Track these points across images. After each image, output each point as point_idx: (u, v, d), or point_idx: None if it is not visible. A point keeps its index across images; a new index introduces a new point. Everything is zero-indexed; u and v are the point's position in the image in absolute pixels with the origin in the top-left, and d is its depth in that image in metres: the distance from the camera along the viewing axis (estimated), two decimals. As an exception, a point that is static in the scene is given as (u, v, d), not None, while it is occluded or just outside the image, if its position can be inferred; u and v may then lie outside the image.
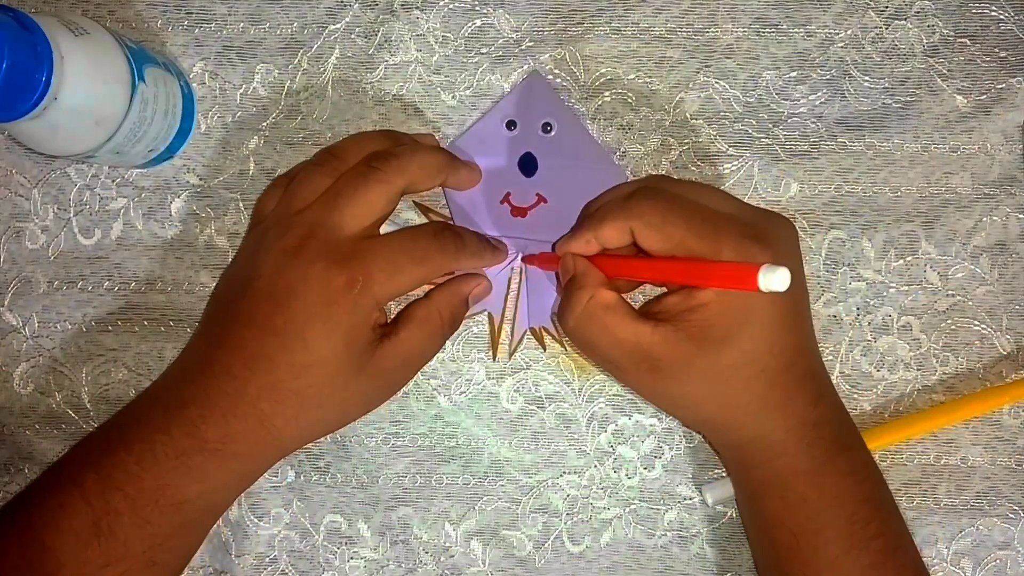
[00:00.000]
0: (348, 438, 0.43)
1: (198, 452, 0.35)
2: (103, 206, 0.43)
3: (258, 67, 0.43)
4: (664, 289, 0.40)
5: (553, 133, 0.43)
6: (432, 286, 0.40)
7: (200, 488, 0.35)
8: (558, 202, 0.42)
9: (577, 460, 0.43)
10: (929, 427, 0.42)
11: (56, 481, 0.36)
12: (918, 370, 0.43)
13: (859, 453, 0.38)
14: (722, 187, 0.43)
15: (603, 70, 0.43)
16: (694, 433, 0.43)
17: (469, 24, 0.43)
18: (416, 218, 0.43)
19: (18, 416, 0.43)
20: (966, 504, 0.43)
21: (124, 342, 0.43)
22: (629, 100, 0.43)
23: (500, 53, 0.43)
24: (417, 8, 0.43)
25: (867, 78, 0.43)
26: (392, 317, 0.38)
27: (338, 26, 0.43)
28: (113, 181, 0.43)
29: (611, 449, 0.43)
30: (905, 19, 0.43)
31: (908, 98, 0.43)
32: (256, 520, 0.43)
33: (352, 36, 0.43)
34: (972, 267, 0.43)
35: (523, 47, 0.43)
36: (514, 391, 0.43)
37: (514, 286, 0.43)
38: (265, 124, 0.43)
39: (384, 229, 0.38)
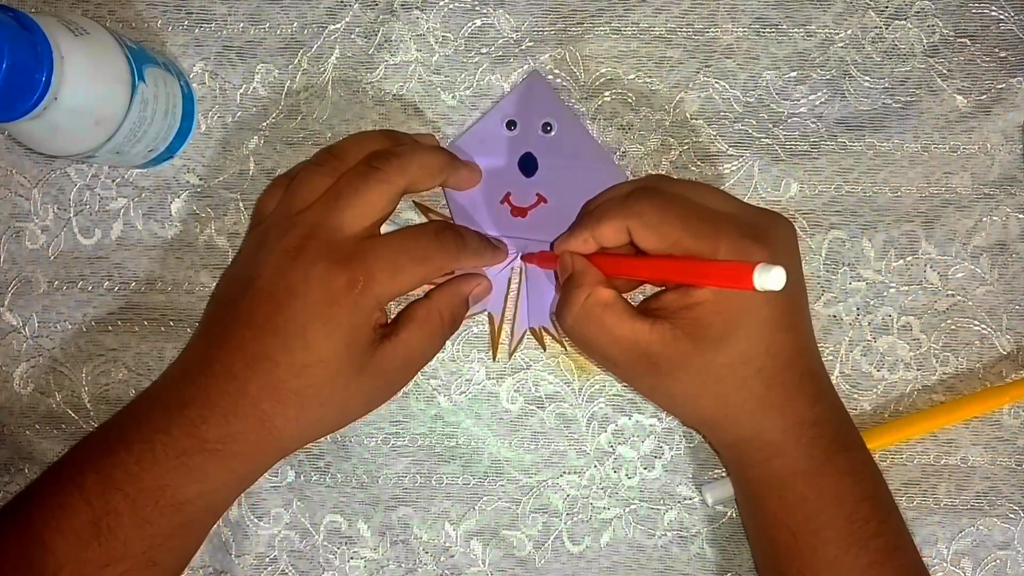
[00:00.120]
0: (348, 438, 0.43)
1: (198, 452, 0.35)
2: (103, 206, 0.43)
3: (258, 67, 0.43)
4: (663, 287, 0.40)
5: (553, 133, 0.43)
6: (432, 286, 0.40)
7: (200, 488, 0.35)
8: (558, 202, 0.42)
9: (577, 460, 0.43)
10: (929, 427, 0.42)
11: (56, 481, 0.36)
12: (918, 370, 0.43)
13: (858, 453, 0.38)
14: (722, 187, 0.43)
15: (603, 70, 0.43)
16: (694, 433, 0.43)
17: (469, 24, 0.43)
18: (416, 218, 0.43)
19: (18, 416, 0.43)
20: (966, 504, 0.43)
21: (124, 342, 0.43)
22: (629, 100, 0.43)
23: (500, 53, 0.43)
24: (417, 8, 0.43)
25: (867, 78, 0.43)
26: (392, 317, 0.38)
27: (338, 26, 0.43)
28: (113, 181, 0.43)
29: (611, 449, 0.43)
30: (905, 19, 0.43)
31: (908, 98, 0.43)
32: (256, 520, 0.43)
33: (352, 36, 0.43)
34: (972, 267, 0.43)
35: (523, 47, 0.43)
36: (514, 391, 0.43)
37: (514, 286, 0.43)
38: (265, 124, 0.43)
39: (384, 229, 0.38)
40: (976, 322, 0.43)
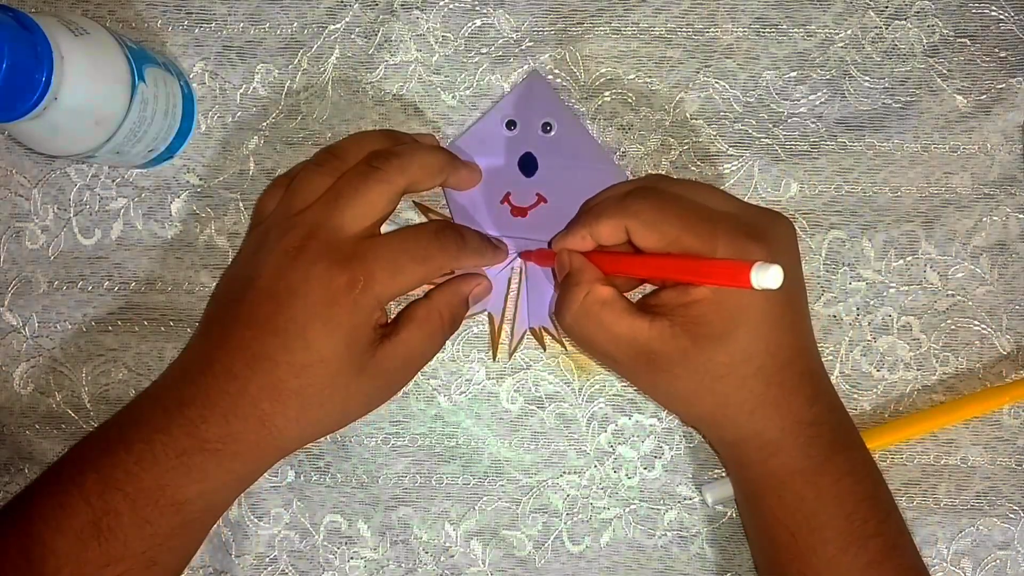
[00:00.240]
0: (348, 438, 0.43)
1: (198, 452, 0.35)
2: (103, 206, 0.43)
3: (258, 67, 0.43)
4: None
5: (553, 133, 0.43)
6: (432, 286, 0.40)
7: (200, 488, 0.35)
8: (558, 202, 0.42)
9: (577, 460, 0.43)
10: (929, 427, 0.42)
11: (56, 481, 0.36)
12: (918, 370, 0.43)
13: (858, 453, 0.38)
14: (722, 187, 0.43)
15: (603, 70, 0.43)
16: (694, 433, 0.43)
17: (469, 24, 0.43)
18: (416, 218, 0.43)
19: (18, 416, 0.43)
20: (966, 504, 0.43)
21: (124, 342, 0.43)
22: (629, 100, 0.43)
23: (500, 53, 0.43)
24: (417, 8, 0.43)
25: (867, 78, 0.43)
26: (392, 317, 0.38)
27: (338, 26, 0.43)
28: (113, 181, 0.43)
29: (611, 449, 0.43)
30: (905, 19, 0.43)
31: (908, 98, 0.43)
32: (256, 520, 0.43)
33: (352, 36, 0.43)
34: (972, 267, 0.43)
35: (523, 47, 0.43)
36: (514, 391, 0.43)
37: (514, 286, 0.43)
38: (265, 124, 0.43)
39: (384, 229, 0.38)
40: (976, 322, 0.43)
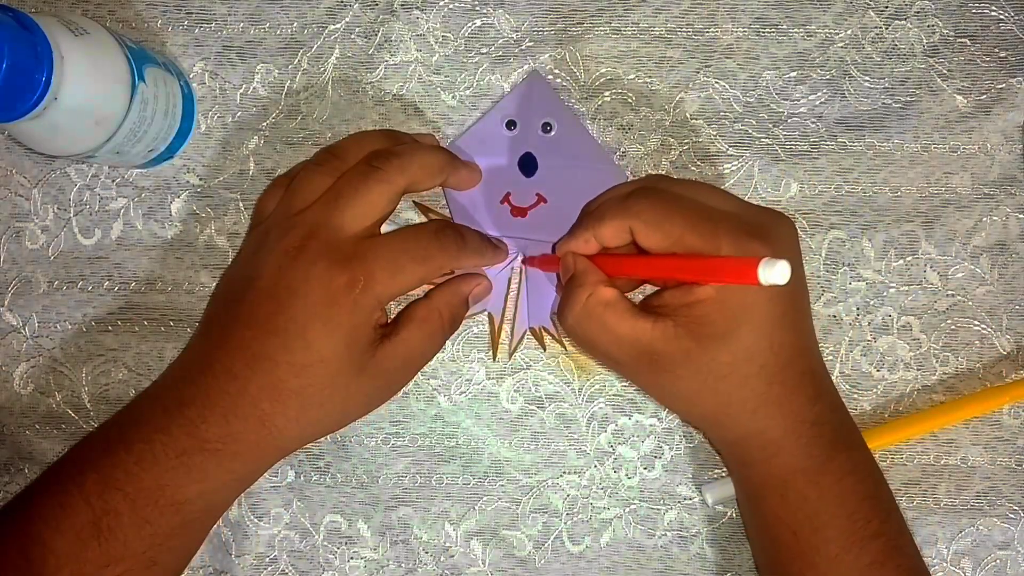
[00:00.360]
0: (348, 438, 0.43)
1: (198, 452, 0.35)
2: (103, 206, 0.43)
3: (258, 67, 0.43)
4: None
5: (553, 133, 0.43)
6: (432, 286, 0.40)
7: (200, 488, 0.35)
8: (558, 202, 0.42)
9: (577, 460, 0.43)
10: (929, 427, 0.42)
11: (56, 481, 0.36)
12: (918, 370, 0.43)
13: (859, 452, 0.38)
14: (722, 187, 0.43)
15: (603, 70, 0.43)
16: (694, 433, 0.43)
17: (469, 24, 0.43)
18: (416, 218, 0.43)
19: (18, 416, 0.43)
20: (966, 504, 0.43)
21: (124, 342, 0.43)
22: (629, 100, 0.43)
23: (500, 53, 0.43)
24: (417, 8, 0.43)
25: (867, 78, 0.43)
26: (392, 317, 0.38)
27: (338, 26, 0.43)
28: (113, 181, 0.43)
29: (611, 449, 0.43)
30: (905, 19, 0.43)
31: (908, 98, 0.43)
32: (256, 520, 0.43)
33: (352, 36, 0.43)
34: (972, 267, 0.43)
35: (523, 47, 0.43)
36: (514, 391, 0.43)
37: (514, 286, 0.43)
38: (265, 124, 0.43)
39: (384, 229, 0.38)
40: (976, 322, 0.43)
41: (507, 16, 0.43)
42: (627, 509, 0.43)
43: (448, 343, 0.43)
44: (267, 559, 0.43)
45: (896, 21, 0.43)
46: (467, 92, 0.43)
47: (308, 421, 0.36)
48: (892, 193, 0.43)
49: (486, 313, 0.43)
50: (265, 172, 0.43)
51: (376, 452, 0.43)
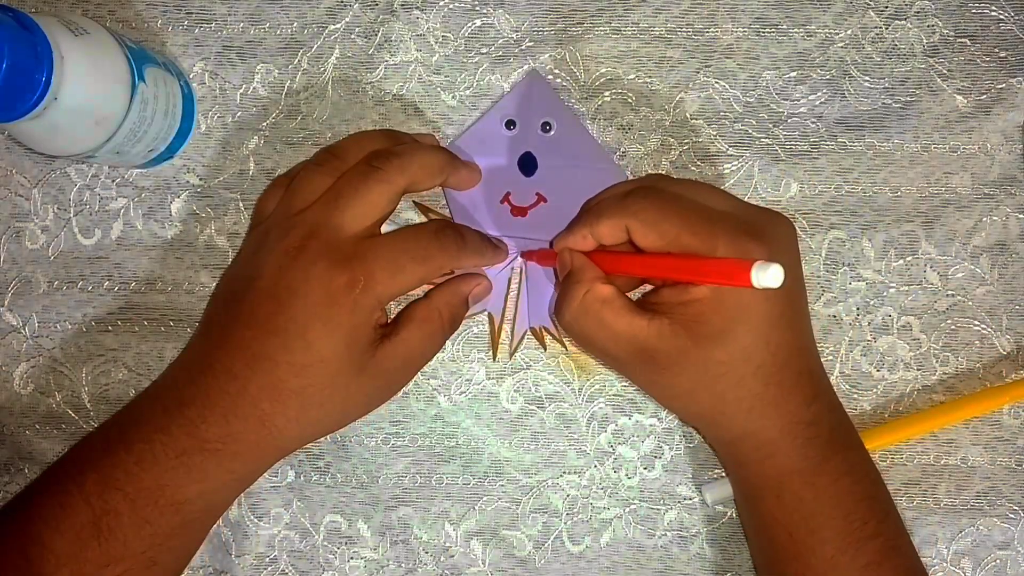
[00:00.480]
0: (348, 438, 0.43)
1: (198, 452, 0.35)
2: (103, 206, 0.43)
3: (258, 67, 0.43)
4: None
5: (552, 132, 0.43)
6: (432, 286, 0.40)
7: (200, 488, 0.35)
8: (558, 201, 0.42)
9: (577, 460, 0.43)
10: (929, 427, 0.42)
11: (56, 481, 0.36)
12: (918, 370, 0.43)
13: (856, 453, 0.38)
14: (722, 187, 0.43)
15: (603, 70, 0.43)
16: (694, 433, 0.43)
17: (469, 24, 0.43)
18: (416, 218, 0.43)
19: (18, 416, 0.43)
20: (966, 504, 0.43)
21: (124, 342, 0.43)
22: (629, 100, 0.43)
23: (500, 53, 0.43)
24: (417, 8, 0.43)
25: (867, 78, 0.43)
26: (392, 317, 0.38)
27: (338, 26, 0.43)
28: (113, 181, 0.43)
29: (611, 449, 0.43)
30: (905, 19, 0.43)
31: (908, 98, 0.43)
32: (256, 520, 0.43)
33: (352, 36, 0.43)
34: (972, 267, 0.43)
35: (523, 47, 0.43)
36: (514, 391, 0.43)
37: (514, 286, 0.43)
38: (265, 124, 0.43)
39: (384, 228, 0.38)
40: (976, 322, 0.43)
41: (507, 16, 0.43)
42: (627, 509, 0.43)
43: (448, 343, 0.43)
44: (267, 559, 0.43)
45: (896, 21, 0.43)
46: (467, 92, 0.43)
47: (308, 421, 0.36)
48: (892, 193, 0.43)
49: (486, 313, 0.43)
50: (265, 172, 0.43)
51: (376, 452, 0.43)
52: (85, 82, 0.34)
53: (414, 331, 0.37)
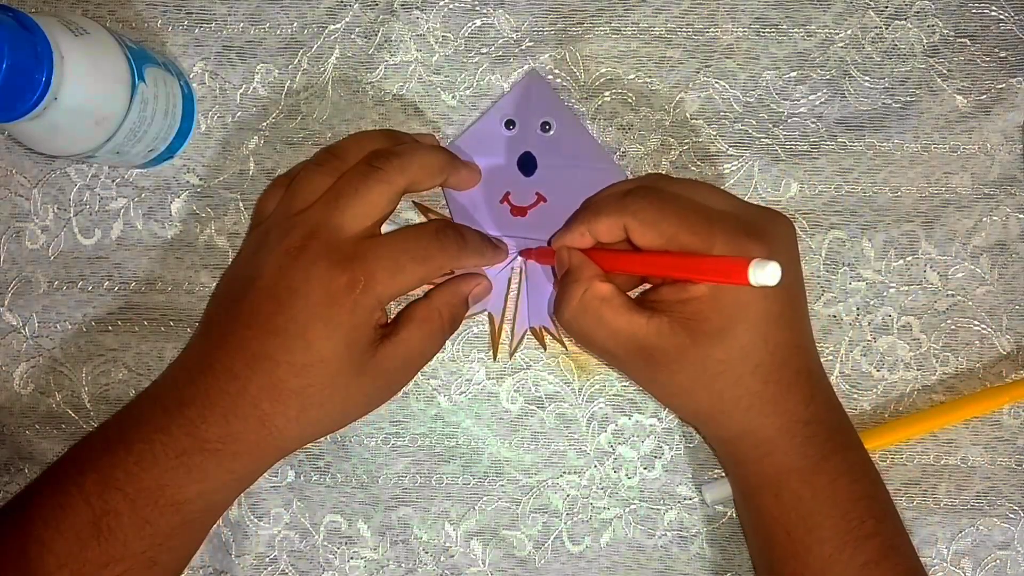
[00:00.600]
0: (348, 438, 0.43)
1: (198, 452, 0.35)
2: (103, 206, 0.43)
3: (258, 67, 0.43)
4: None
5: (552, 132, 0.43)
6: (432, 286, 0.40)
7: (200, 488, 0.35)
8: (558, 201, 0.42)
9: (577, 460, 0.43)
10: (929, 427, 0.42)
11: (56, 481, 0.36)
12: (918, 370, 0.43)
13: (855, 453, 0.38)
14: (722, 187, 0.43)
15: (603, 70, 0.43)
16: (694, 433, 0.43)
17: (469, 24, 0.43)
18: (416, 218, 0.43)
19: (18, 416, 0.43)
20: (966, 504, 0.43)
21: (124, 342, 0.43)
22: (629, 100, 0.43)
23: (500, 53, 0.43)
24: (417, 8, 0.43)
25: (867, 78, 0.43)
26: (392, 317, 0.38)
27: (338, 26, 0.43)
28: (113, 181, 0.43)
29: (611, 449, 0.43)
30: (905, 19, 0.43)
31: (908, 98, 0.43)
32: (256, 520, 0.43)
33: (352, 36, 0.43)
34: (972, 267, 0.43)
35: (523, 47, 0.43)
36: (514, 391, 0.43)
37: (514, 286, 0.43)
38: (265, 124, 0.43)
39: (384, 228, 0.38)
40: (976, 322, 0.43)
41: (507, 16, 0.43)
42: (627, 509, 0.43)
43: (448, 343, 0.43)
44: (267, 559, 0.43)
45: (896, 21, 0.43)
46: (467, 92, 0.43)
47: (308, 421, 0.36)
48: (892, 193, 0.43)
49: (486, 313, 0.43)
50: (265, 172, 0.43)
51: (376, 452, 0.43)
52: (85, 82, 0.34)
53: (414, 331, 0.37)
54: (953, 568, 0.43)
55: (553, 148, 0.42)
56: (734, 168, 0.43)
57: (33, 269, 0.43)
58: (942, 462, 0.43)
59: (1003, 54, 0.43)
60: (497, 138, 0.43)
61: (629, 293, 0.37)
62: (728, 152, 0.43)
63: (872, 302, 0.43)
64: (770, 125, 0.43)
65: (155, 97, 0.38)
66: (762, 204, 0.43)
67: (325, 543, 0.43)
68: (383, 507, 0.43)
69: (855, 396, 0.43)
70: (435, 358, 0.42)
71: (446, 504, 0.43)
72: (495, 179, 0.43)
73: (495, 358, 0.43)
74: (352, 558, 0.43)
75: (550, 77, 0.43)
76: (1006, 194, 0.43)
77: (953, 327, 0.43)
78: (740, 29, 0.43)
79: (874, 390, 0.43)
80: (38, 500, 0.35)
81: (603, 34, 0.43)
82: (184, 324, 0.43)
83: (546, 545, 0.43)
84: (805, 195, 0.43)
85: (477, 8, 0.43)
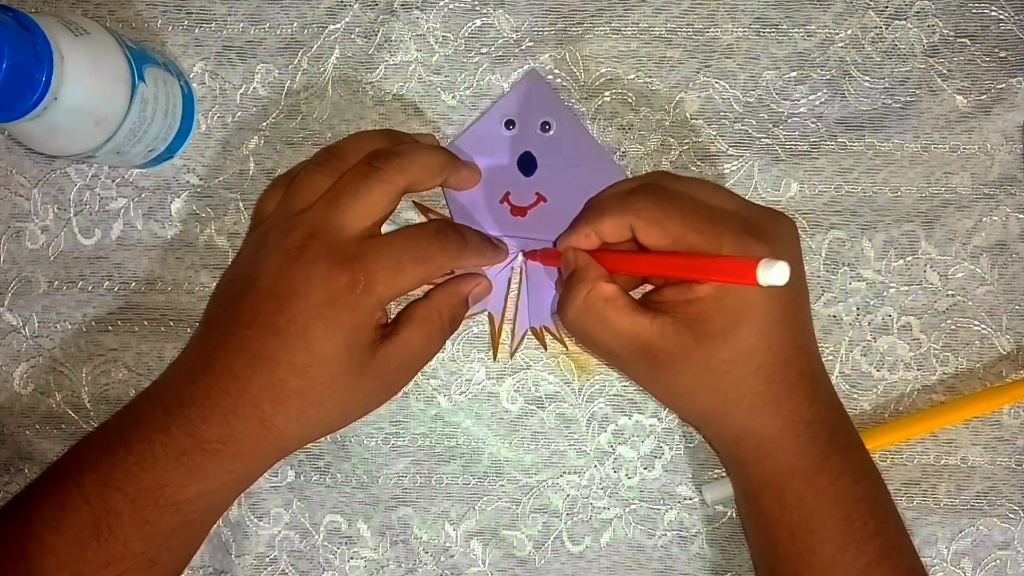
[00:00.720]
0: (348, 438, 0.43)
1: (198, 452, 0.35)
2: (103, 206, 0.43)
3: (258, 67, 0.43)
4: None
5: (552, 132, 0.43)
6: (432, 286, 0.40)
7: (200, 488, 0.35)
8: (558, 201, 0.42)
9: (577, 460, 0.43)
10: (929, 427, 0.42)
11: (56, 481, 0.36)
12: (918, 370, 0.43)
13: (857, 453, 0.38)
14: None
15: (603, 70, 0.43)
16: (694, 433, 0.43)
17: (469, 24, 0.43)
18: (416, 218, 0.43)
19: (18, 416, 0.43)
20: (966, 504, 0.43)
21: (124, 342, 0.43)
22: (629, 100, 0.43)
23: (500, 53, 0.43)
24: (417, 8, 0.43)
25: (867, 78, 0.43)
26: (392, 317, 0.38)
27: (338, 26, 0.43)
28: (113, 181, 0.43)
29: (611, 449, 0.43)
30: (905, 19, 0.43)
31: (908, 98, 0.43)
32: (256, 520, 0.43)
33: (352, 36, 0.43)
34: (972, 267, 0.43)
35: (523, 47, 0.43)
36: (514, 391, 0.43)
37: (514, 286, 0.43)
38: (265, 124, 0.43)
39: (385, 229, 0.38)
40: (976, 322, 0.43)
41: (507, 16, 0.43)
42: (627, 509, 0.43)
43: (448, 343, 0.43)
44: (267, 559, 0.43)
45: (896, 21, 0.43)
46: (467, 92, 0.43)
47: (308, 421, 0.36)
48: (892, 193, 0.43)
49: (486, 313, 0.43)
50: (265, 172, 0.43)
51: (376, 452, 0.43)
52: (85, 82, 0.34)
53: (414, 331, 0.37)
54: (953, 568, 0.43)
55: (553, 148, 0.42)
56: (734, 168, 0.43)
57: (33, 269, 0.43)
58: (942, 462, 0.43)
59: (1003, 54, 0.43)
60: (497, 138, 0.43)
61: (631, 294, 0.37)
62: (728, 152, 0.43)
63: (872, 302, 0.43)
64: (770, 125, 0.43)
65: (155, 97, 0.38)
66: (763, 204, 0.43)
67: (325, 543, 0.43)
68: (383, 507, 0.43)
69: (855, 396, 0.43)
70: (435, 358, 0.42)
71: (446, 504, 0.43)
72: (495, 179, 0.43)
73: (495, 358, 0.43)
74: (352, 558, 0.43)
75: (550, 77, 0.43)
76: (1006, 194, 0.43)
77: (953, 327, 0.43)
78: (740, 29, 0.43)
79: (874, 390, 0.43)
80: (38, 500, 0.35)
81: (603, 34, 0.43)
82: (184, 324, 0.43)
83: (546, 545, 0.43)
84: (805, 195, 0.43)
85: (477, 8, 0.43)
